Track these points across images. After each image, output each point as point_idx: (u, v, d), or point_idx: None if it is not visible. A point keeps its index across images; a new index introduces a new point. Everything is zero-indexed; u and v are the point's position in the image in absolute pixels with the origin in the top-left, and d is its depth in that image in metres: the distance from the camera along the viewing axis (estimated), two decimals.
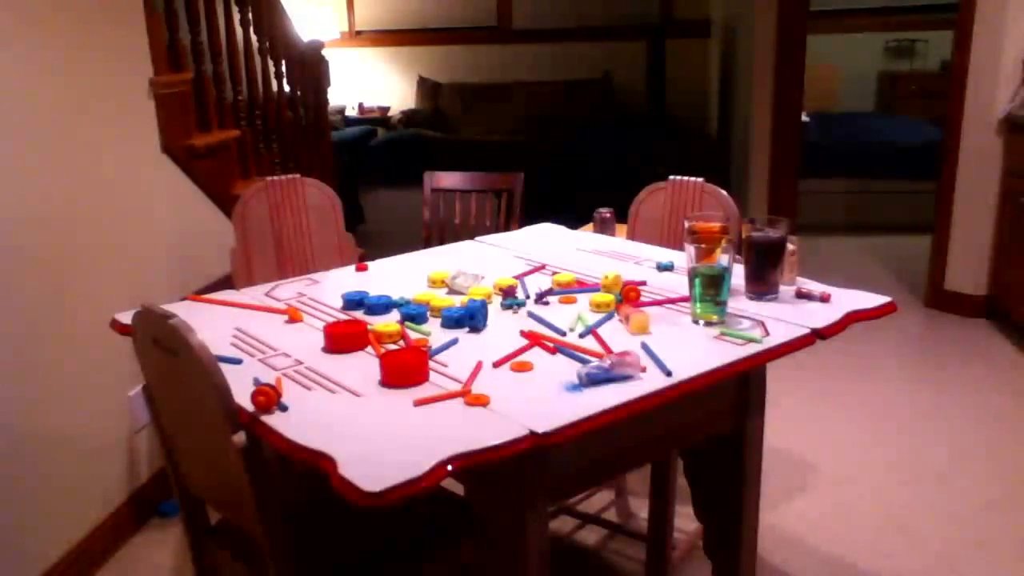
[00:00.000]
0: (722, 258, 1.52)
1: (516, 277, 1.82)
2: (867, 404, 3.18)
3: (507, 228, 2.77)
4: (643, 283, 1.76)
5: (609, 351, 1.40)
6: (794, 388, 3.22)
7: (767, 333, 1.47)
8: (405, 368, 1.33)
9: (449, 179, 2.91)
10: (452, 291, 1.75)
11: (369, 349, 1.46)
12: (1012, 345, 3.66)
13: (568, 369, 1.34)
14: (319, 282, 1.87)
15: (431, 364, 1.37)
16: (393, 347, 1.47)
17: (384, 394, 1.29)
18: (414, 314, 1.58)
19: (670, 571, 2.17)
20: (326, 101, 4.20)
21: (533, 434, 1.14)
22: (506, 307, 1.65)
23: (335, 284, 1.84)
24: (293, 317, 1.62)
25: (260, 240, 2.28)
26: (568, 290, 1.74)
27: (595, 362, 1.33)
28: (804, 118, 5.25)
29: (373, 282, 1.84)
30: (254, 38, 3.53)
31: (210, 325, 1.57)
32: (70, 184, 2.21)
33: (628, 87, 7.01)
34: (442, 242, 2.71)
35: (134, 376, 2.00)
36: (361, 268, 1.96)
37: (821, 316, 1.54)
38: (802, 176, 5.19)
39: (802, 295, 1.64)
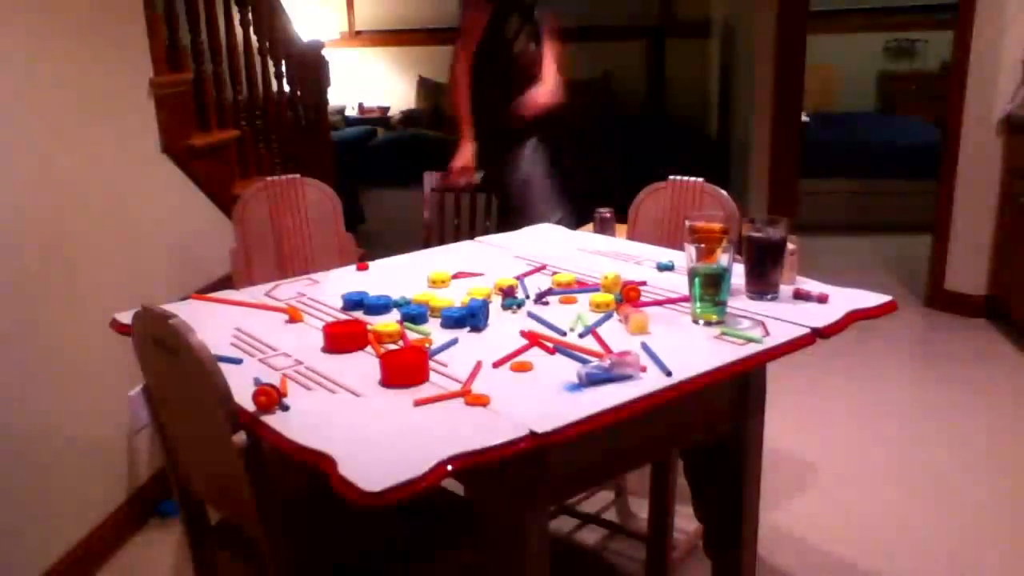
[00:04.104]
0: (722, 258, 1.52)
1: (516, 277, 1.82)
2: (867, 404, 3.18)
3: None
4: (643, 283, 1.76)
5: (609, 351, 1.40)
6: (794, 388, 3.22)
7: (767, 333, 1.47)
8: (405, 368, 1.32)
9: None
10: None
11: (369, 349, 1.46)
12: (1012, 345, 3.66)
13: (568, 369, 1.34)
14: (319, 282, 1.87)
15: (431, 364, 1.37)
16: (393, 347, 1.47)
17: (384, 394, 1.29)
18: (414, 314, 1.58)
19: (670, 571, 2.17)
20: (326, 101, 4.21)
21: (533, 434, 1.14)
22: (506, 307, 1.65)
23: (335, 284, 1.84)
24: (293, 317, 1.62)
25: (260, 240, 2.28)
26: (568, 290, 1.74)
27: (595, 362, 1.33)
28: (804, 118, 5.25)
29: (373, 282, 1.84)
30: (254, 38, 3.53)
31: (210, 325, 1.57)
32: (70, 184, 2.21)
33: (628, 87, 7.01)
34: (442, 242, 2.71)
35: (134, 376, 2.00)
36: (361, 268, 1.96)
37: (821, 315, 1.54)
38: (802, 176, 5.19)
39: (800, 295, 1.64)
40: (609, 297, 1.64)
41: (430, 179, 2.88)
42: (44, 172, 2.11)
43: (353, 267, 1.98)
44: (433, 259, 2.04)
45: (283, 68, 3.75)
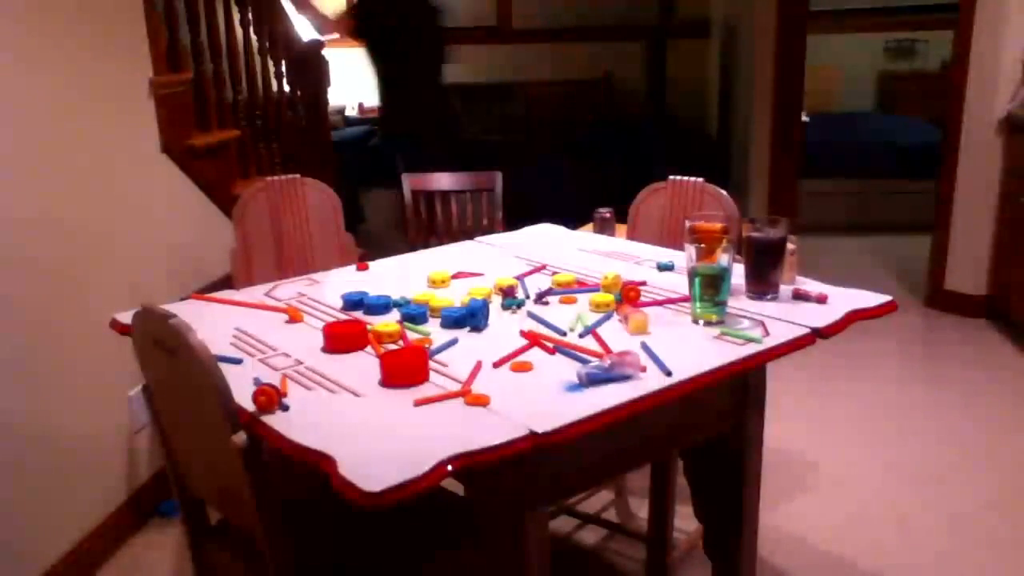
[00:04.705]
0: (722, 258, 1.52)
1: (516, 277, 1.82)
2: (867, 404, 3.18)
3: (491, 227, 2.77)
4: (643, 283, 1.76)
5: (609, 351, 1.40)
6: (794, 388, 3.22)
7: (767, 333, 1.47)
8: (405, 368, 1.33)
9: (428, 180, 2.89)
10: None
11: (369, 349, 1.46)
12: (1012, 345, 3.66)
13: (568, 369, 1.34)
14: (319, 282, 1.87)
15: (431, 364, 1.37)
16: (393, 347, 1.47)
17: (384, 394, 1.29)
18: (414, 314, 1.58)
19: (670, 571, 2.17)
20: (326, 101, 4.20)
21: (533, 434, 1.14)
22: (506, 307, 1.65)
23: (335, 284, 1.84)
24: (293, 317, 1.62)
25: (260, 240, 2.28)
26: (568, 290, 1.74)
27: (595, 362, 1.33)
28: (804, 118, 5.25)
29: (373, 282, 1.84)
30: (254, 38, 3.53)
31: (210, 325, 1.57)
32: (70, 184, 2.21)
33: (628, 87, 7.00)
34: (427, 244, 2.70)
35: (134, 376, 2.00)
36: (362, 268, 1.96)
37: (821, 315, 1.54)
38: (802, 176, 5.19)
39: (800, 295, 1.64)
40: (609, 297, 1.64)
41: (408, 181, 2.86)
42: (44, 172, 2.11)
43: (353, 267, 1.98)
44: (433, 259, 2.04)
45: (283, 68, 3.75)
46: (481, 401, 1.23)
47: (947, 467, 2.72)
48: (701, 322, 1.54)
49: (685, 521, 2.22)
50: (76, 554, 2.19)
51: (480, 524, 1.38)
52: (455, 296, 1.70)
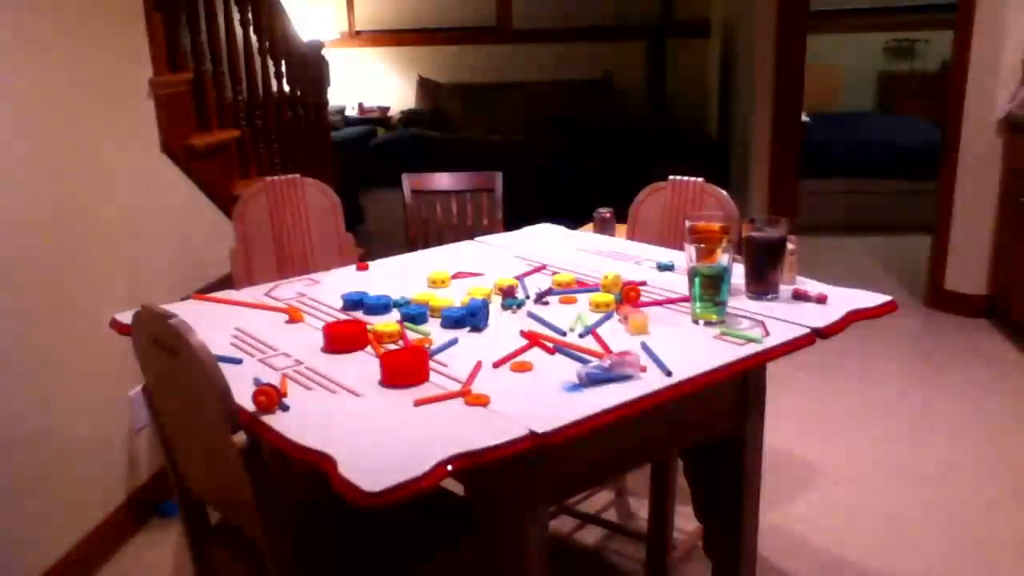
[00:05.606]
0: (722, 258, 1.52)
1: (516, 277, 1.82)
2: (867, 404, 3.18)
3: (491, 227, 2.76)
4: (643, 283, 1.77)
5: (609, 351, 1.40)
6: (794, 388, 3.22)
7: (767, 333, 1.47)
8: (405, 368, 1.33)
9: (428, 180, 2.89)
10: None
11: (369, 349, 1.46)
12: (1012, 345, 3.66)
13: (568, 369, 1.34)
14: (319, 282, 1.87)
15: (431, 364, 1.37)
16: (393, 347, 1.47)
17: (384, 394, 1.29)
18: (414, 314, 1.58)
19: (670, 571, 2.17)
20: (326, 101, 4.21)
21: (533, 434, 1.14)
22: (506, 307, 1.65)
23: (335, 284, 1.84)
24: (293, 317, 1.62)
25: (260, 240, 2.28)
26: (568, 290, 1.74)
27: (595, 362, 1.33)
28: (804, 118, 5.26)
29: (373, 282, 1.84)
30: (254, 38, 3.53)
31: (210, 325, 1.57)
32: (70, 184, 2.21)
33: (628, 87, 7.01)
34: (427, 244, 2.70)
35: (134, 376, 2.00)
36: (362, 268, 1.96)
37: (822, 315, 1.54)
38: (802, 176, 5.19)
39: (799, 296, 1.64)
40: (609, 297, 1.64)
41: (409, 181, 2.86)
42: (44, 172, 2.11)
43: (353, 267, 1.98)
44: (433, 259, 2.04)
45: (283, 68, 3.74)
46: (481, 401, 1.23)
47: (947, 467, 2.72)
48: (701, 322, 1.54)
49: (685, 521, 2.22)
50: (76, 554, 2.19)
51: (480, 524, 1.38)
52: (455, 296, 1.70)
